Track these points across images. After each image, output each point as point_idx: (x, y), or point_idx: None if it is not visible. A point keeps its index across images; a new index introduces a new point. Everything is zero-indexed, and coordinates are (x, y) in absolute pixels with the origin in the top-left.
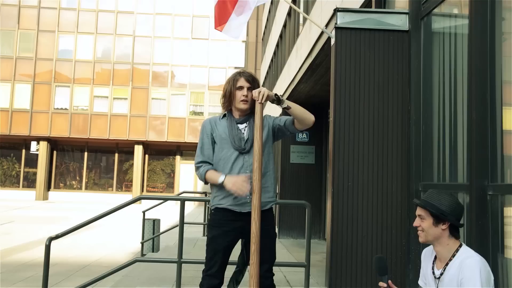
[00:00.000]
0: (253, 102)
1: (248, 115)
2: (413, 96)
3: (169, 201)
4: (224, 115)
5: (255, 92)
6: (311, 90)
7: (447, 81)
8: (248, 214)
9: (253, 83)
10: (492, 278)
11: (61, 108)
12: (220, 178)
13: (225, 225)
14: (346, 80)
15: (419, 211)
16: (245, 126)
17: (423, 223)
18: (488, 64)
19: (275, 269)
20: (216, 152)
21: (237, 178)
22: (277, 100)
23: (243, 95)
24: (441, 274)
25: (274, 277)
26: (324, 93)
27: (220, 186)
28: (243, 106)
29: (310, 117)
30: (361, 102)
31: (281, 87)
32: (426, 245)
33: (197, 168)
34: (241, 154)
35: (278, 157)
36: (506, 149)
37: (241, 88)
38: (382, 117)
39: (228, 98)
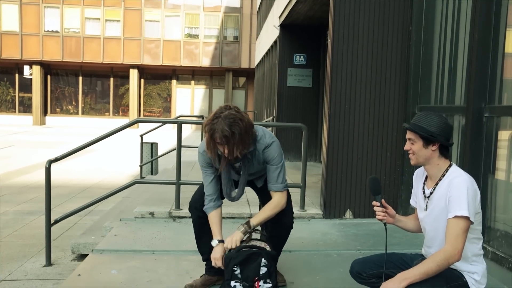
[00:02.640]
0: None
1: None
2: (415, 17)
3: (166, 126)
4: None
5: (228, 244)
6: (309, 11)
7: (451, 0)
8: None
9: (227, 142)
10: (479, 196)
11: (52, 31)
12: (213, 242)
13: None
14: None
15: (409, 134)
16: (239, 165)
17: (414, 146)
18: None
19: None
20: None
21: (214, 255)
22: (249, 233)
23: (225, 153)
24: (431, 193)
25: None
26: (323, 14)
27: None
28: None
29: (277, 210)
30: (360, 23)
31: (278, 8)
32: (419, 166)
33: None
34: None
35: (275, 80)
36: (506, 72)
37: (220, 144)
38: (382, 38)
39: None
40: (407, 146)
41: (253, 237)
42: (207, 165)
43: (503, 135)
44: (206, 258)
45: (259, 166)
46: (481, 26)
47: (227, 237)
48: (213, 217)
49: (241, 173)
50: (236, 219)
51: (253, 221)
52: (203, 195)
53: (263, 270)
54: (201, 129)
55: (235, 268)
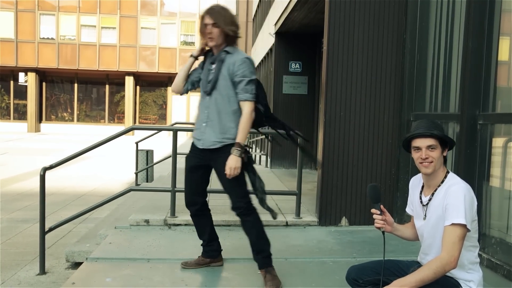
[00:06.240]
0: (221, 38)
1: (221, 50)
2: (409, 25)
3: (161, 133)
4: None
5: (229, 171)
6: (304, 18)
7: (445, 9)
8: (203, 150)
9: (216, 18)
10: (476, 204)
11: (47, 38)
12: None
13: (191, 149)
14: (341, 7)
15: (429, 141)
16: (214, 66)
17: (434, 152)
18: None
19: (266, 197)
20: None
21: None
22: (244, 153)
23: (208, 33)
24: (429, 200)
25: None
26: (318, 22)
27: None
28: (210, 43)
29: (250, 118)
30: (355, 30)
31: (274, 15)
32: (414, 174)
33: None
34: (206, 95)
35: (270, 88)
36: (499, 79)
37: (205, 25)
38: (377, 46)
39: (202, 36)
40: (425, 154)
41: None
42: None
43: (497, 142)
44: (203, 244)
45: (225, 81)
46: (474, 34)
47: (227, 167)
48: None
49: (214, 68)
50: (232, 226)
51: (240, 140)
52: (189, 194)
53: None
54: None
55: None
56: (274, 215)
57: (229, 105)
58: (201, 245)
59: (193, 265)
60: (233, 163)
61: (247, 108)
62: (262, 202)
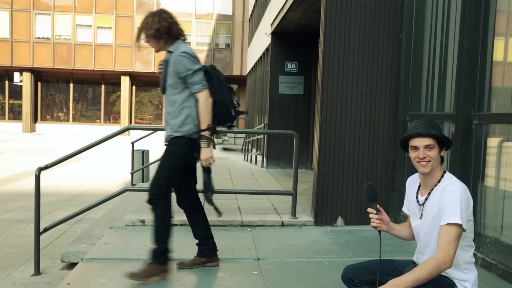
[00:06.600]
0: (158, 42)
1: (167, 52)
2: (405, 25)
3: (157, 133)
4: None
5: (204, 163)
6: (301, 18)
7: (440, 9)
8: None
9: (141, 31)
10: (471, 203)
11: (43, 38)
12: None
13: None
14: (337, 7)
15: (427, 141)
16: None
17: (432, 152)
18: None
19: (262, 197)
20: None
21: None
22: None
23: (149, 44)
24: (426, 199)
25: (262, 205)
26: (314, 22)
27: None
28: (155, 51)
29: (207, 105)
30: (351, 30)
31: (270, 16)
32: (409, 173)
33: None
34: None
35: (266, 87)
36: (494, 79)
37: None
38: (373, 46)
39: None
40: (423, 153)
41: None
42: None
43: (492, 142)
44: (198, 243)
45: (172, 79)
46: (470, 34)
47: (201, 161)
48: None
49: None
50: (228, 226)
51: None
52: (177, 193)
53: None
54: None
55: None
56: (219, 214)
57: (176, 102)
58: (196, 244)
59: (189, 265)
60: (204, 155)
61: (201, 97)
62: (209, 201)
